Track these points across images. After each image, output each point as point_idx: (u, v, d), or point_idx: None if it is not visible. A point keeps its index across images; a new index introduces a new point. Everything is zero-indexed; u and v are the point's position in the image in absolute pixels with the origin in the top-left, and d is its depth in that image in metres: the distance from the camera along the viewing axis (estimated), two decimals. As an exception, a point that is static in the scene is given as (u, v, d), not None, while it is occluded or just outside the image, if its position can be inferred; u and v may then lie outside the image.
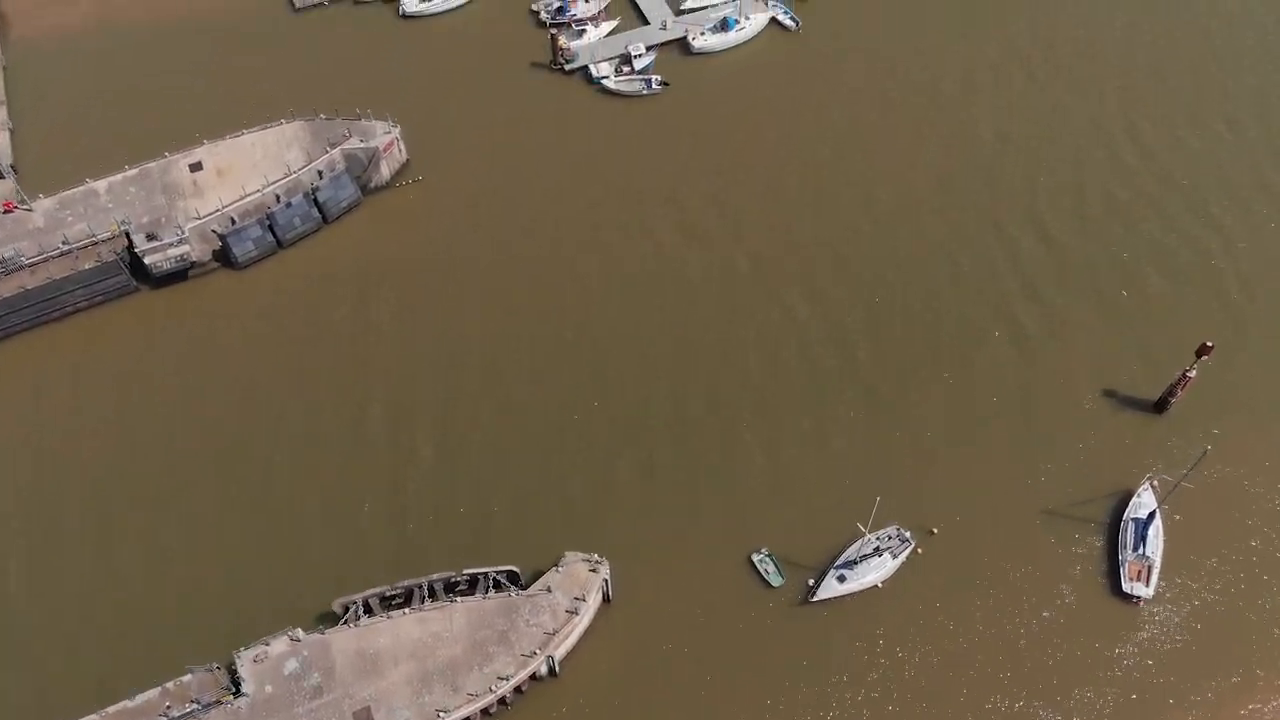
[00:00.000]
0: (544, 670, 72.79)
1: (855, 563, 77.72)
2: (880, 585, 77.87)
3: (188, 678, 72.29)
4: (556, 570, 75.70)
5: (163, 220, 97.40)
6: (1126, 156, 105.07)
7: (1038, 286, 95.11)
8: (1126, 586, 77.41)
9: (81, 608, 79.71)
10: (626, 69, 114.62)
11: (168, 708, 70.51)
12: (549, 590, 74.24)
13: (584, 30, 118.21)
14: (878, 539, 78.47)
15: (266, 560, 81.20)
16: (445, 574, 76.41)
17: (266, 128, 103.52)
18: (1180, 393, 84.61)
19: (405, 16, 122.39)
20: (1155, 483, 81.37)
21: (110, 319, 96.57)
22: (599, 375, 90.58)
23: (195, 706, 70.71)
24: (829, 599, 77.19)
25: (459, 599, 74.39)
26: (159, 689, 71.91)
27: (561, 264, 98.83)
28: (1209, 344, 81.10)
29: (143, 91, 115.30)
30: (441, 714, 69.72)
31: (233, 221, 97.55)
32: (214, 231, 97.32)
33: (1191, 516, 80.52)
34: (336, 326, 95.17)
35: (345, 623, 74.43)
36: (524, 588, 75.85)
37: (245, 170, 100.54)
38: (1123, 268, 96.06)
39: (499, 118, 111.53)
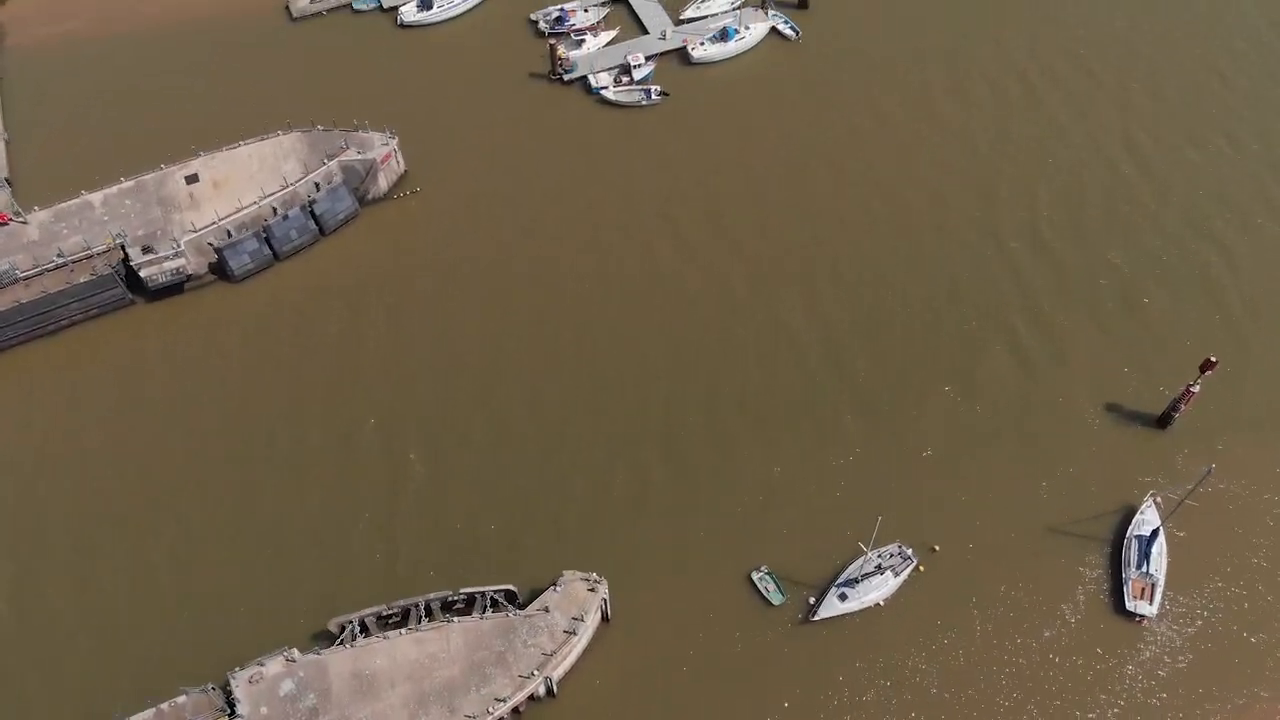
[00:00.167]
0: (542, 691, 72.02)
1: (857, 581, 76.94)
2: (882, 604, 77.14)
3: (182, 699, 71.52)
4: (554, 589, 74.95)
5: (158, 233, 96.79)
6: (1125, 168, 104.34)
7: (1038, 300, 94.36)
8: (1130, 605, 76.61)
9: (72, 628, 78.83)
10: (626, 79, 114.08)
11: (161, 730, 69.90)
12: (547, 610, 73.49)
13: (583, 40, 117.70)
14: (879, 556, 77.68)
15: (261, 578, 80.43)
16: (442, 593, 75.70)
17: (263, 139, 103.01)
18: (1184, 408, 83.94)
19: (403, 26, 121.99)
20: (1159, 499, 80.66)
21: (105, 333, 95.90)
22: (596, 391, 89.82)
23: (189, 728, 70.06)
24: (830, 618, 76.43)
25: (456, 619, 73.64)
26: (153, 710, 71.18)
27: (559, 277, 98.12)
28: (1213, 359, 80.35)
29: (139, 102, 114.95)
30: (438, 736, 69.06)
31: (229, 234, 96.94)
32: (210, 244, 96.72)
33: (1195, 533, 79.75)
34: (333, 340, 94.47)
35: (341, 643, 73.69)
36: (522, 607, 75.10)
37: (242, 182, 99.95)
38: (1124, 281, 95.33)
39: (497, 129, 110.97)
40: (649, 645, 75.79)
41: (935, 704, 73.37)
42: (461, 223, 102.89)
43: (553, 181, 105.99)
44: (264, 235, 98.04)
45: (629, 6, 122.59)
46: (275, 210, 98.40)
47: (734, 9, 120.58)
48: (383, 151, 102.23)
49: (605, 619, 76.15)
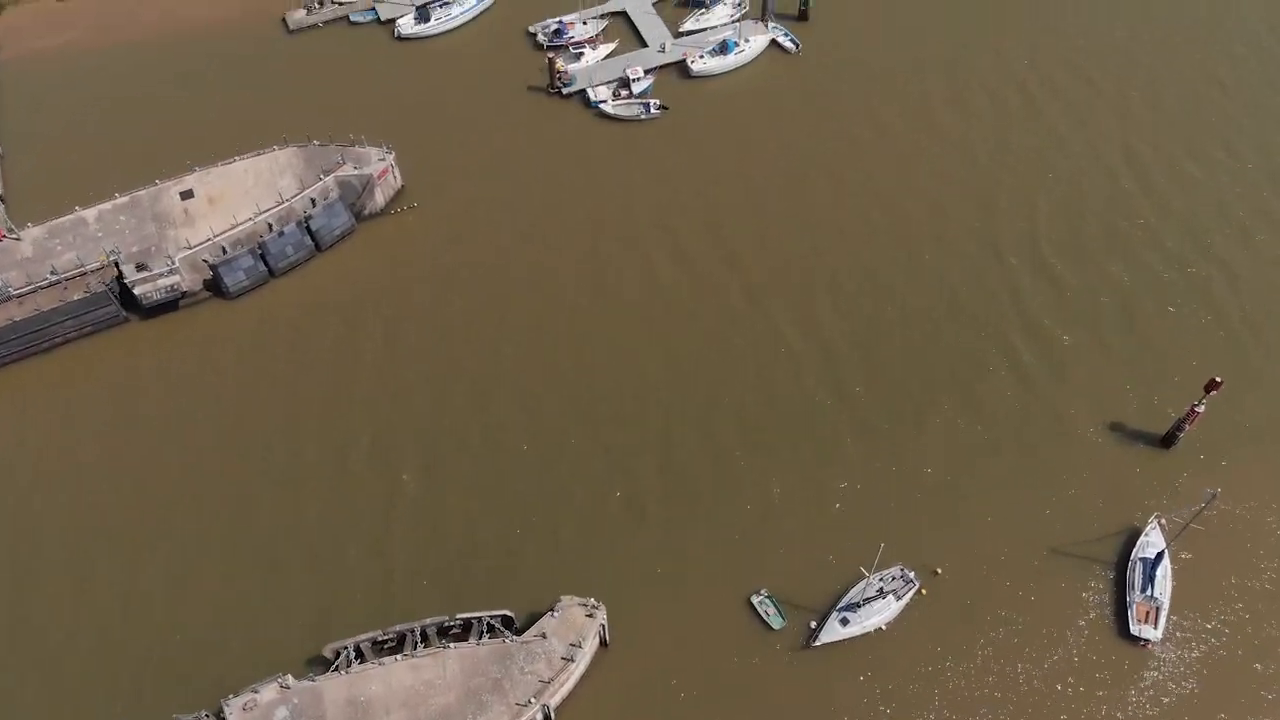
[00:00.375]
0: (539, 719, 71.12)
1: (858, 605, 76.05)
2: (884, 628, 76.23)
3: (176, 727, 70.71)
4: (552, 615, 74.00)
5: (153, 250, 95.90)
6: (1125, 182, 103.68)
7: (1038, 317, 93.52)
8: (1134, 629, 75.73)
9: (63, 654, 77.68)
10: (625, 93, 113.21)
11: (154, 758, 68.98)
12: (544, 636, 72.55)
13: (581, 53, 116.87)
14: (881, 580, 76.84)
15: (255, 600, 79.40)
16: (438, 618, 74.73)
17: (259, 154, 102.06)
18: (1188, 427, 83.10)
19: (401, 38, 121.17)
20: (1163, 521, 79.80)
21: (99, 351, 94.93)
22: (594, 407, 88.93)
23: (182, 756, 69.19)
24: (832, 643, 75.53)
25: (452, 644, 72.69)
26: (146, 738, 70.46)
27: (557, 293, 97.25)
28: (1218, 379, 79.49)
29: (134, 116, 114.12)
30: (434, 765, 68.16)
31: (224, 251, 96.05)
32: (205, 261, 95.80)
33: (1201, 556, 78.88)
34: (329, 357, 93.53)
35: (336, 669, 72.74)
36: (519, 632, 74.20)
37: (237, 198, 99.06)
38: (1125, 295, 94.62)
39: (495, 143, 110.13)
40: (648, 671, 74.83)
41: (938, 731, 72.59)
42: (459, 239, 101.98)
43: (551, 196, 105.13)
44: (259, 252, 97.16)
45: (628, 19, 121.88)
46: (271, 226, 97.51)
47: (734, 21, 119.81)
48: (380, 167, 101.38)
49: (604, 644, 75.23)
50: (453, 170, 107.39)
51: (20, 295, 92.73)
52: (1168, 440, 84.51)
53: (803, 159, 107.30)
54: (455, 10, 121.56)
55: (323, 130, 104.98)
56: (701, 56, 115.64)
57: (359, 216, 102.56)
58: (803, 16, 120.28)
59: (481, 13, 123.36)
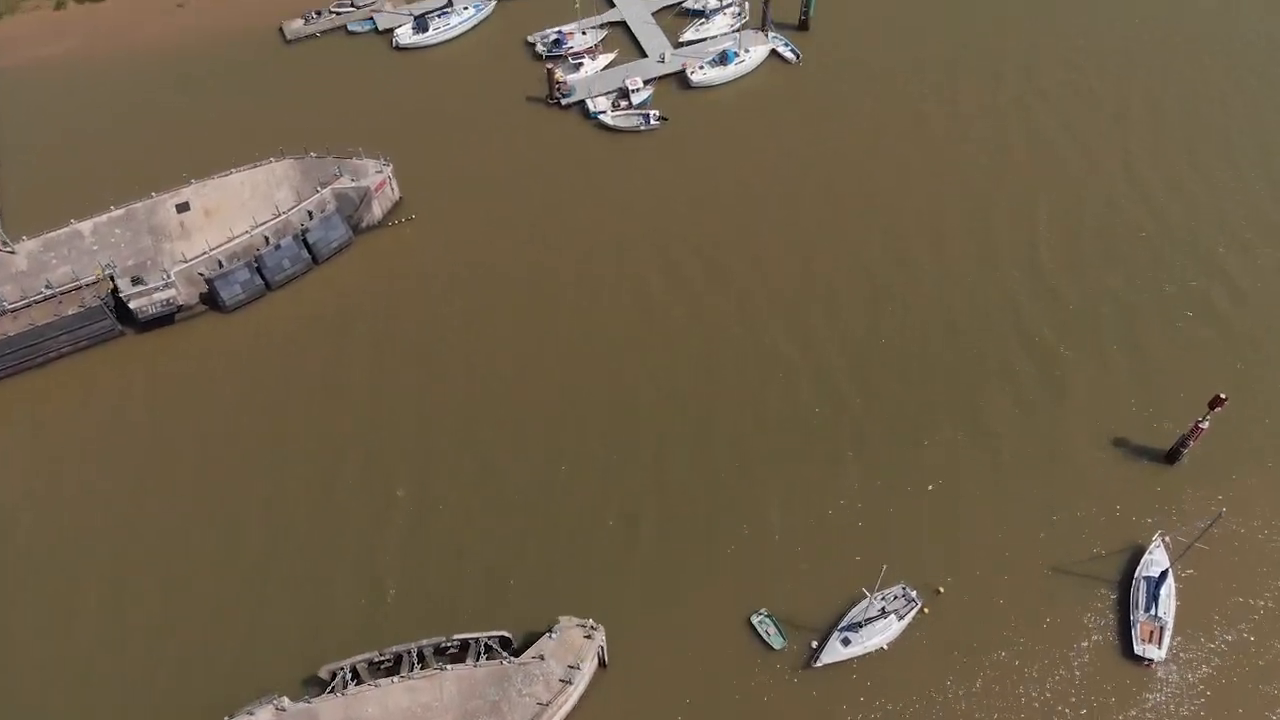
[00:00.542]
0: (537, 741, 70.45)
1: (860, 625, 75.30)
2: (886, 647, 75.46)
3: (169, 749, 70.00)
4: (550, 636, 73.26)
5: (149, 263, 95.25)
6: (1124, 197, 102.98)
7: (1040, 333, 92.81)
8: (1138, 648, 74.99)
9: (53, 677, 76.71)
10: (624, 103, 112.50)
11: (148, 782, 68.22)
12: (542, 658, 71.80)
13: (581, 63, 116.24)
14: (883, 599, 76.14)
15: (249, 620, 78.68)
16: (436, 639, 73.99)
17: (255, 166, 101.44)
18: (1192, 444, 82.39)
19: (399, 48, 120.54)
20: (1167, 539, 79.08)
21: (94, 365, 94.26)
22: (589, 425, 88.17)
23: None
24: (833, 663, 74.77)
25: (450, 666, 71.97)
26: (140, 761, 69.69)
27: (555, 308, 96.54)
28: (1223, 396, 78.83)
29: (130, 126, 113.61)
30: (431, 788, 67.41)
31: (220, 264, 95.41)
32: (201, 275, 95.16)
33: (1205, 574, 78.11)
34: (325, 371, 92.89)
35: (332, 690, 71.98)
36: (517, 653, 73.42)
37: (233, 210, 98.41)
38: (1125, 310, 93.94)
39: (494, 154, 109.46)
40: (647, 692, 74.07)
41: (940, 753, 71.88)
42: (456, 251, 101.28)
43: (550, 209, 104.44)
44: (256, 265, 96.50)
45: (627, 29, 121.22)
46: (267, 239, 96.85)
47: (734, 31, 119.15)
48: (377, 179, 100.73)
49: (603, 665, 74.46)
50: (451, 182, 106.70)
51: (15, 309, 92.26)
52: (1171, 457, 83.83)
53: (802, 170, 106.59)
54: (454, 20, 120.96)
55: (320, 141, 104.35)
56: (701, 67, 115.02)
57: (356, 229, 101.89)
58: (803, 26, 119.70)
59: (480, 22, 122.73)
